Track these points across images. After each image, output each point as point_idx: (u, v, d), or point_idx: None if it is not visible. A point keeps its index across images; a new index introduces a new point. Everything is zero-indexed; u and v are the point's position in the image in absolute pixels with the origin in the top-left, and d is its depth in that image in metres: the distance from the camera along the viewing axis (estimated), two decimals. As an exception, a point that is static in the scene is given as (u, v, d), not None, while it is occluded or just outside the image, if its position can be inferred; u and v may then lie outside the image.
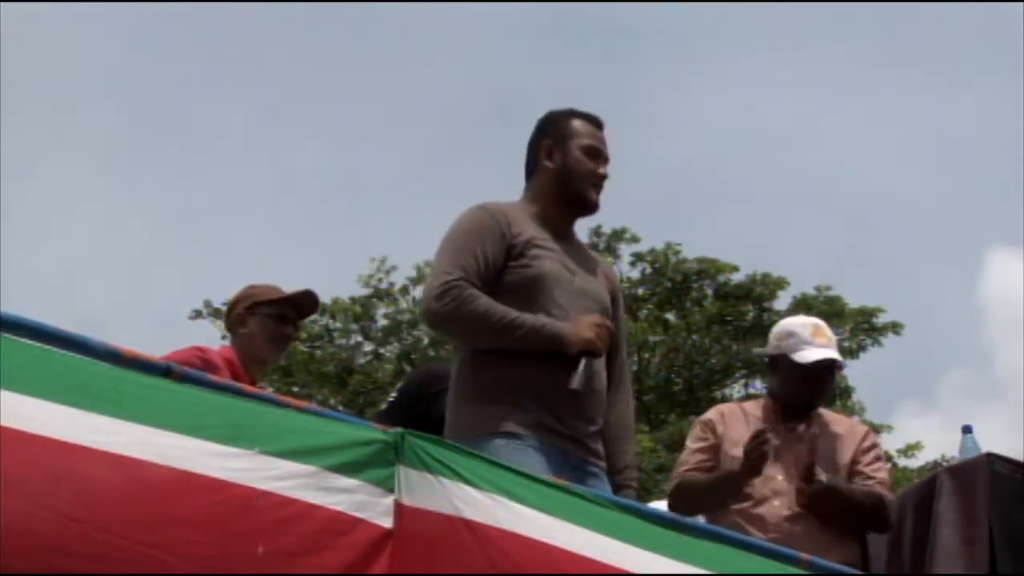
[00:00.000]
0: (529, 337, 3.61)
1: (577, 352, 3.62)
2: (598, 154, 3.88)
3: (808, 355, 4.50)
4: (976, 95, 31.64)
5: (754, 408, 4.69)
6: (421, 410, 4.47)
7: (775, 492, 4.37)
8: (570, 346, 3.62)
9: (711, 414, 4.71)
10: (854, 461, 4.46)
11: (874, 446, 4.55)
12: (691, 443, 4.63)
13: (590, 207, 3.88)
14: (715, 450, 4.53)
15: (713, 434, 4.57)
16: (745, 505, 4.36)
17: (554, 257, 3.76)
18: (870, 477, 4.44)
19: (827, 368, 4.54)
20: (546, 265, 3.73)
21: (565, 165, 3.85)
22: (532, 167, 3.93)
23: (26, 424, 2.25)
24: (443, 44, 32.18)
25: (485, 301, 3.63)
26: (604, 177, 3.87)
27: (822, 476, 4.27)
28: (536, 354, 3.64)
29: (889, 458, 20.06)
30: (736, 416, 4.64)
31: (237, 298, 5.10)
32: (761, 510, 4.34)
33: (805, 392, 4.57)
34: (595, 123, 3.94)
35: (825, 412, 4.71)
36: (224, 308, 19.52)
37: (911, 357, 28.33)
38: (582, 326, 3.64)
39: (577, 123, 3.89)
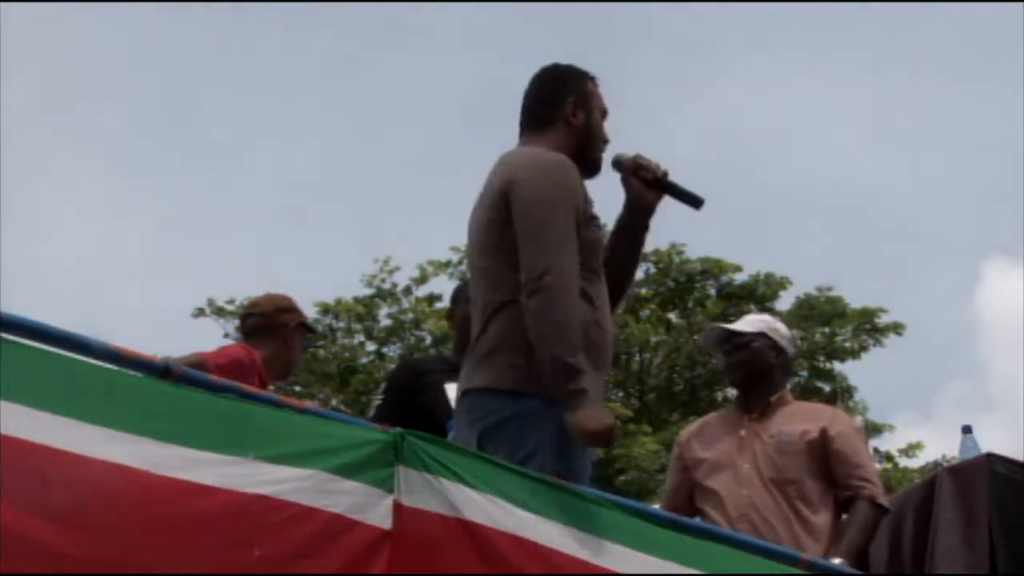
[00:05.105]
0: (577, 382, 3.28)
1: (586, 436, 3.27)
2: (606, 118, 3.84)
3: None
4: (979, 97, 31.62)
5: (727, 410, 4.83)
6: (407, 403, 4.50)
7: (741, 482, 4.43)
8: (583, 430, 3.26)
9: (681, 437, 4.82)
10: (825, 451, 4.46)
11: (840, 434, 4.50)
12: (668, 480, 4.74)
13: (598, 172, 3.78)
14: (689, 481, 4.59)
15: (682, 464, 4.67)
16: (711, 500, 4.44)
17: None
18: (852, 478, 4.44)
19: (724, 342, 4.72)
20: (597, 232, 3.64)
21: (589, 126, 3.74)
22: (546, 120, 3.73)
23: (21, 433, 2.26)
24: (445, 43, 32.20)
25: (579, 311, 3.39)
26: (608, 142, 3.83)
27: None
28: (602, 319, 3.52)
29: (889, 458, 20.10)
30: (706, 427, 4.75)
31: (281, 306, 5.05)
32: (727, 500, 4.41)
33: (729, 375, 4.81)
34: (598, 85, 3.87)
35: (796, 402, 4.80)
36: (227, 307, 19.55)
37: (908, 366, 28.32)
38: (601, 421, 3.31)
39: (591, 84, 3.82)
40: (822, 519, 4.38)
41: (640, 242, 3.86)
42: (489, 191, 3.57)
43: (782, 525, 4.31)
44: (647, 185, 3.76)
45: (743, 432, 4.54)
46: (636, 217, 3.80)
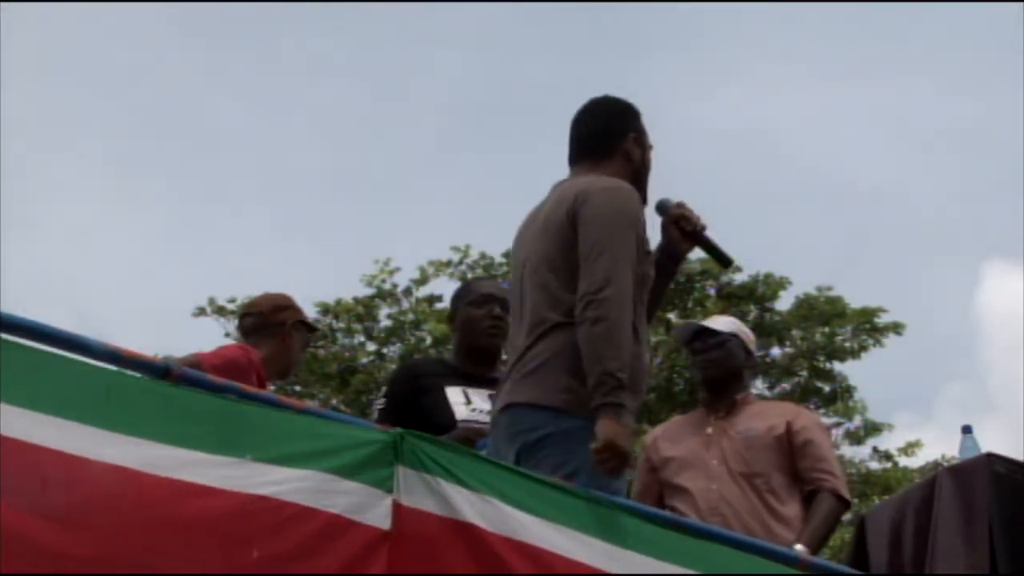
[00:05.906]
0: (620, 397, 3.28)
1: (604, 447, 3.23)
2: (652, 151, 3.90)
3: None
4: (980, 97, 31.61)
5: (692, 412, 4.86)
6: (407, 405, 4.51)
7: (711, 477, 4.47)
8: (606, 440, 3.23)
9: (647, 439, 4.85)
10: (791, 446, 4.51)
11: (804, 428, 4.56)
12: (636, 482, 4.70)
13: (644, 205, 3.78)
14: (657, 482, 4.61)
15: (650, 465, 4.67)
16: (681, 496, 4.46)
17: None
18: (815, 472, 4.48)
19: (697, 338, 4.72)
20: (650, 268, 3.67)
21: (644, 162, 3.82)
22: (604, 152, 3.76)
23: (21, 433, 2.26)
24: (446, 43, 32.19)
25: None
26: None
27: None
28: (645, 353, 3.56)
29: (889, 457, 20.09)
30: (671, 427, 4.82)
31: (279, 304, 5.03)
32: (697, 495, 4.43)
33: (699, 372, 4.83)
34: None
35: (759, 401, 4.86)
36: (228, 306, 19.58)
37: (908, 366, 28.30)
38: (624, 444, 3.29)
39: (643, 122, 3.87)
40: (791, 510, 4.43)
41: (666, 284, 3.90)
42: (556, 212, 3.59)
43: (752, 517, 4.36)
44: (683, 235, 3.82)
45: (710, 430, 4.59)
46: (667, 261, 3.84)
